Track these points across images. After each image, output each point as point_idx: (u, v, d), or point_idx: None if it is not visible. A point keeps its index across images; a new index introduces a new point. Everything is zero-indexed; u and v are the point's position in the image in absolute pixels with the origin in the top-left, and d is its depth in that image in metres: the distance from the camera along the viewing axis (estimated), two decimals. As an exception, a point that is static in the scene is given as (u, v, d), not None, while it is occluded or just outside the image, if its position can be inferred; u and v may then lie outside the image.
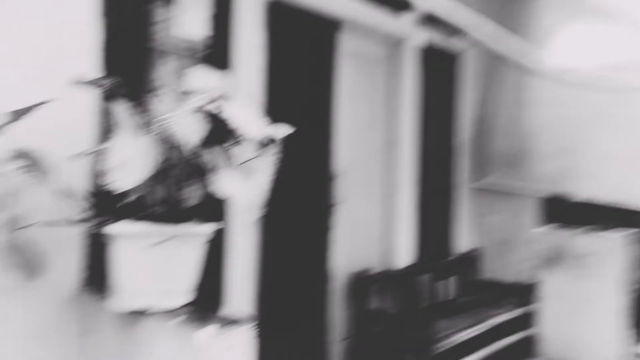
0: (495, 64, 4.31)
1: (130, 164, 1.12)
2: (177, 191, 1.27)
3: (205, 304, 2.53)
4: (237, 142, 1.29)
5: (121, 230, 1.32)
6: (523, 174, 4.26)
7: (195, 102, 1.21)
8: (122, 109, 1.19)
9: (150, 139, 1.18)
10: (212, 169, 1.22)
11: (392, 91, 3.71)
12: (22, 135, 1.27)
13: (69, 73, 1.33)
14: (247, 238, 2.76)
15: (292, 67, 3.48)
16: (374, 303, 3.49)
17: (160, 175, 1.25)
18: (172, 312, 1.36)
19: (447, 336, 3.08)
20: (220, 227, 1.51)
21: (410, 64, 3.75)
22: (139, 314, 1.39)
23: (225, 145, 1.29)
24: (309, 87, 3.44)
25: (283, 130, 1.38)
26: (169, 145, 1.15)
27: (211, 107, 1.24)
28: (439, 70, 4.11)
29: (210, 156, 1.24)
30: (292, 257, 3.55)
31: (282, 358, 3.57)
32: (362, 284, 3.42)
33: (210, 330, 1.20)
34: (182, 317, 1.30)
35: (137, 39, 1.71)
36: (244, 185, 1.26)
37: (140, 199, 1.30)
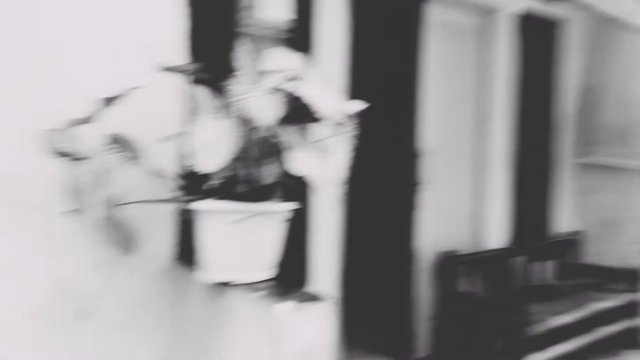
0: (604, 28, 3.92)
1: (213, 146, 1.17)
2: (256, 170, 1.30)
3: (289, 280, 2.61)
4: (313, 120, 1.29)
5: (206, 208, 1.39)
6: (633, 149, 3.87)
7: (272, 82, 1.23)
8: (204, 93, 1.24)
9: (231, 120, 1.22)
10: (289, 148, 1.24)
11: (485, 63, 3.52)
12: (114, 120, 1.37)
13: (157, 59, 1.41)
14: (331, 217, 2.78)
15: (377, 43, 3.41)
16: (463, 285, 3.39)
17: (241, 155, 1.29)
18: (254, 286, 1.42)
19: (541, 321, 2.92)
20: (299, 205, 1.53)
21: (505, 34, 3.53)
22: (224, 286, 1.47)
23: (302, 123, 1.30)
24: (395, 62, 3.36)
25: (359, 106, 1.36)
26: (248, 125, 1.18)
27: (288, 87, 1.25)
28: (537, 39, 3.82)
29: (286, 135, 1.25)
30: (376, 236, 3.54)
31: (366, 337, 3.60)
32: (450, 264, 3.34)
33: (288, 305, 1.24)
34: (264, 291, 1.34)
35: (221, 24, 1.77)
36: (320, 163, 1.26)
37: (223, 178, 1.36)
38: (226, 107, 1.20)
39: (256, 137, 1.25)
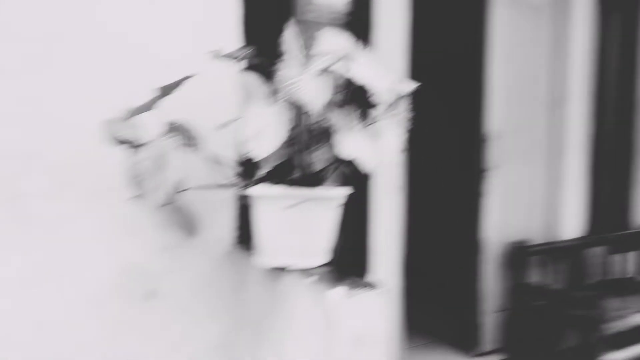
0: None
1: (265, 132, 1.17)
2: (308, 155, 1.29)
3: (349, 267, 2.59)
4: (365, 102, 1.26)
5: (260, 193, 1.40)
6: None
7: (322, 64, 1.21)
8: (256, 79, 1.24)
9: (281, 105, 1.21)
10: (340, 131, 1.22)
11: (560, 40, 3.30)
12: (173, 108, 1.40)
13: (213, 46, 1.42)
14: (391, 203, 2.73)
15: (440, 21, 3.28)
16: (534, 276, 3.23)
17: (292, 140, 1.29)
18: (309, 272, 1.41)
19: (619, 317, 2.72)
20: (357, 191, 1.51)
21: (583, 8, 3.28)
22: (280, 271, 1.48)
23: (353, 106, 1.28)
24: (459, 40, 3.22)
25: (413, 87, 1.31)
26: (298, 109, 1.16)
27: (338, 68, 1.22)
28: (618, 13, 3.53)
29: (337, 118, 1.23)
30: (441, 224, 3.44)
31: (431, 326, 3.53)
32: (520, 255, 3.19)
33: (341, 291, 1.22)
34: (318, 277, 1.34)
35: (276, 9, 1.76)
36: (372, 146, 1.23)
37: (276, 164, 1.36)
38: (277, 92, 1.19)
39: (307, 121, 1.24)
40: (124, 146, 1.21)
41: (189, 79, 1.39)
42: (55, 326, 1.52)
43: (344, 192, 1.45)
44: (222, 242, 1.76)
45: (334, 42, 1.35)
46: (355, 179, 2.57)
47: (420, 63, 2.83)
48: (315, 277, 1.32)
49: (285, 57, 1.21)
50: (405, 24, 2.65)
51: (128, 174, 1.20)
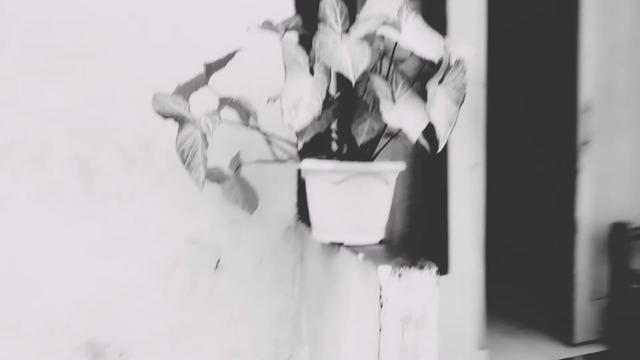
0: None
1: (302, 102, 1.13)
2: (352, 126, 1.24)
3: (425, 248, 2.50)
4: (413, 69, 1.17)
5: (310, 167, 1.37)
6: None
7: (363, 28, 1.14)
8: (297, 47, 1.20)
9: (319, 74, 1.16)
10: (384, 100, 1.14)
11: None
12: (226, 82, 1.41)
13: (262, 18, 1.41)
14: (470, 181, 2.59)
15: None
16: (637, 262, 2.91)
17: (334, 111, 1.24)
18: (362, 248, 1.37)
19: None
20: (404, 167, 1.43)
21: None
22: (335, 247, 1.45)
23: (399, 72, 1.19)
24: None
25: (470, 52, 1.19)
26: (339, 78, 1.11)
27: (384, 32, 1.15)
28: None
29: (380, 86, 1.16)
30: (533, 203, 3.20)
31: (522, 311, 3.32)
32: (621, 238, 2.88)
33: (390, 269, 1.16)
34: (367, 254, 1.29)
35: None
36: (419, 115, 1.14)
37: (323, 136, 1.32)
38: (317, 60, 1.14)
39: (347, 89, 1.18)
40: (169, 121, 1.24)
41: (238, 53, 1.39)
42: (128, 293, 1.62)
43: (397, 167, 1.38)
44: (284, 217, 1.77)
45: (381, 5, 1.27)
46: (429, 155, 2.48)
47: (505, 22, 2.61)
48: (364, 255, 1.27)
49: (323, 22, 1.16)
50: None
51: (178, 149, 1.22)
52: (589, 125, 2.83)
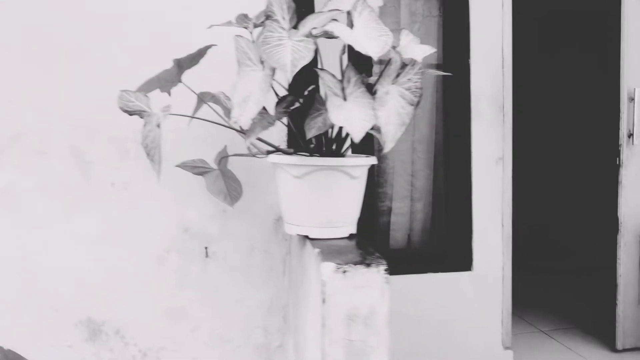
0: None
1: (250, 99, 1.15)
2: (304, 121, 1.23)
3: (447, 245, 2.43)
4: (360, 66, 1.15)
5: (274, 161, 1.39)
6: None
7: (308, 24, 1.13)
8: (248, 44, 1.22)
9: (269, 70, 1.17)
10: (330, 97, 1.13)
11: None
12: (197, 78, 1.46)
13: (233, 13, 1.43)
14: (496, 175, 2.48)
15: None
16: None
17: (282, 106, 1.24)
18: (327, 242, 1.37)
19: None
20: (373, 162, 1.40)
21: None
22: (305, 240, 1.46)
23: (351, 69, 1.17)
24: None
25: (424, 52, 1.14)
26: (286, 74, 1.11)
27: (332, 29, 1.13)
28: None
29: (329, 82, 1.15)
30: (573, 198, 3.00)
31: (565, 311, 3.15)
32: (669, 238, 2.63)
33: (333, 266, 1.16)
34: (326, 249, 1.29)
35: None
36: (368, 115, 1.12)
37: (264, 130, 1.32)
38: (264, 57, 1.15)
39: (295, 86, 1.18)
40: (134, 117, 1.30)
41: (209, 49, 1.42)
42: (123, 276, 1.73)
43: (360, 162, 1.36)
44: (274, 209, 1.80)
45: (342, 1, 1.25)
46: (451, 148, 2.40)
47: (543, 17, 2.47)
48: (319, 250, 1.27)
49: (270, 18, 1.16)
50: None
51: (143, 144, 1.29)
52: (634, 117, 2.60)
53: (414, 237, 2.60)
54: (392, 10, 2.45)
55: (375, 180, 2.50)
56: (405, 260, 2.52)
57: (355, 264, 1.18)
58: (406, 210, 2.57)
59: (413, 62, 1.15)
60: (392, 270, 2.42)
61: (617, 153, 2.65)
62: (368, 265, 1.18)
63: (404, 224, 2.59)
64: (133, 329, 1.72)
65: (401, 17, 2.45)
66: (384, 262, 1.20)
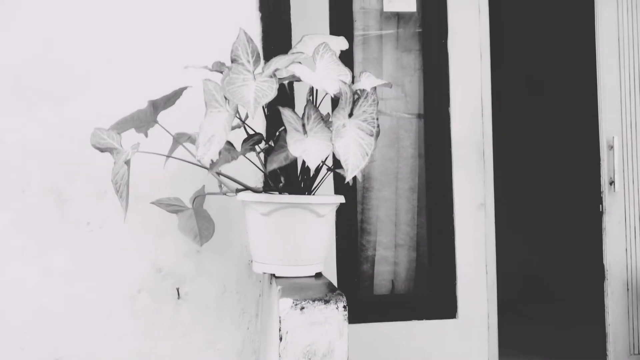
0: None
1: (214, 138, 1.19)
2: (268, 157, 1.27)
3: (433, 289, 2.41)
4: (312, 103, 1.20)
5: (241, 198, 1.42)
6: None
7: (276, 65, 1.19)
8: (215, 85, 1.27)
9: (233, 110, 1.22)
10: (290, 132, 1.17)
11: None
12: (171, 120, 1.51)
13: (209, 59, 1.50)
14: (478, 220, 2.50)
15: (530, 17, 2.90)
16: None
17: (249, 143, 1.28)
18: (293, 280, 1.38)
19: None
20: (340, 200, 1.43)
21: None
22: (272, 278, 1.47)
23: (311, 106, 1.22)
24: (557, 38, 2.81)
25: (372, 83, 1.20)
26: (249, 111, 1.15)
27: (293, 69, 1.19)
28: None
29: (290, 118, 1.19)
30: (550, 244, 2.99)
31: (543, 355, 3.08)
32: (656, 286, 2.61)
33: (290, 302, 1.17)
34: (288, 287, 1.29)
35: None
36: (324, 146, 1.16)
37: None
38: (229, 96, 1.20)
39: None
40: (107, 155, 1.34)
41: (186, 89, 1.48)
42: (94, 316, 1.72)
43: (327, 200, 1.39)
44: (248, 250, 1.80)
45: (309, 44, 1.32)
46: (433, 194, 2.43)
47: (514, 59, 2.57)
48: (281, 287, 1.27)
49: (235, 61, 1.22)
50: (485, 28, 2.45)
51: (112, 181, 1.32)
52: (613, 164, 2.64)
53: (398, 283, 2.59)
54: (375, 64, 2.55)
55: (360, 227, 2.53)
56: (389, 307, 2.50)
57: (314, 300, 1.18)
58: (390, 257, 2.58)
59: (366, 94, 1.20)
60: (377, 317, 2.41)
61: (600, 200, 2.67)
62: (327, 302, 1.18)
63: (389, 270, 2.58)
64: (102, 371, 1.70)
65: (383, 69, 2.55)
66: (344, 298, 1.20)
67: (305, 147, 1.14)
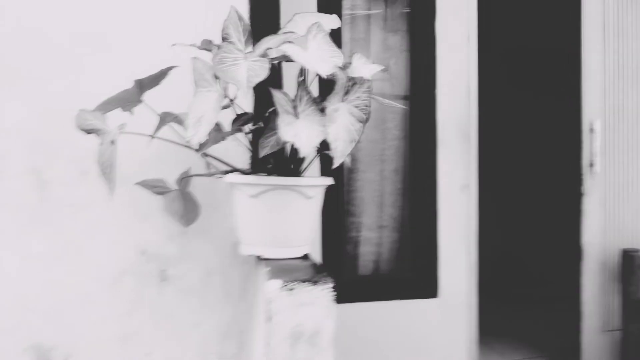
0: None
1: (204, 118, 1.16)
2: (258, 139, 1.25)
3: (417, 270, 2.44)
4: (304, 85, 1.18)
5: (230, 180, 1.40)
6: None
7: (267, 44, 1.16)
8: (205, 64, 1.24)
9: (222, 90, 1.19)
10: (281, 114, 1.16)
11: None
12: (157, 99, 1.47)
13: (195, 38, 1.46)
14: (462, 202, 2.53)
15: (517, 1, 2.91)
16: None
17: (238, 123, 1.26)
18: (280, 262, 1.37)
19: None
20: (329, 182, 1.42)
21: None
22: (258, 259, 1.46)
23: (303, 88, 1.20)
24: (543, 21, 2.83)
25: (370, 70, 1.18)
26: (242, 90, 1.13)
27: (285, 49, 1.17)
28: None
29: (281, 100, 1.17)
30: (540, 226, 3.05)
31: (529, 338, 3.16)
32: (630, 266, 2.69)
33: (279, 284, 1.16)
34: (276, 268, 1.29)
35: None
36: (317, 131, 1.15)
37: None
38: (220, 74, 1.17)
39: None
40: (91, 135, 1.31)
41: (172, 69, 1.44)
42: (75, 299, 1.70)
43: (315, 182, 1.38)
44: (234, 232, 1.79)
45: (301, 24, 1.29)
46: (418, 175, 2.44)
47: (509, 49, 2.57)
48: (269, 269, 1.27)
49: (226, 40, 1.19)
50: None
51: (99, 163, 1.29)
52: (594, 147, 2.68)
53: (382, 264, 2.61)
54: (362, 44, 2.52)
55: (345, 209, 2.53)
56: (373, 287, 2.53)
57: (303, 281, 1.18)
58: (374, 238, 2.59)
59: (362, 81, 1.19)
60: (360, 297, 2.43)
61: (580, 182, 2.72)
62: (315, 283, 1.18)
63: (372, 251, 2.60)
64: (84, 355, 1.68)
65: (371, 50, 2.52)
66: (331, 280, 1.20)
67: (296, 131, 1.13)
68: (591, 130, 2.68)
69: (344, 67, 1.17)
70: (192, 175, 1.58)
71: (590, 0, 2.66)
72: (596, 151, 2.67)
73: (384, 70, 1.25)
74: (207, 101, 1.18)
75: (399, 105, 2.25)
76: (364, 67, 1.19)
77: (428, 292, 2.53)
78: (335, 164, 1.16)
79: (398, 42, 2.54)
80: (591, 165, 2.69)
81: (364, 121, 1.18)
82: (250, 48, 1.20)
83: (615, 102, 2.71)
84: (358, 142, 1.18)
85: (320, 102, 1.21)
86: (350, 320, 2.38)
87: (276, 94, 1.18)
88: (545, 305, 3.27)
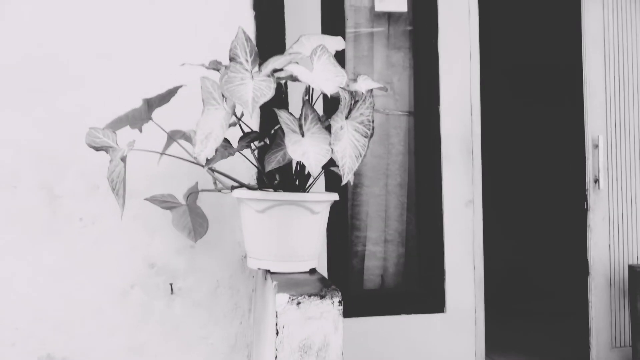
0: None
1: (211, 135, 1.20)
2: (265, 156, 1.29)
3: (422, 284, 2.45)
4: (310, 103, 1.21)
5: (237, 196, 1.43)
6: None
7: (274, 65, 1.20)
8: (213, 83, 1.28)
9: (230, 108, 1.23)
10: (288, 132, 1.19)
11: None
12: (165, 117, 1.51)
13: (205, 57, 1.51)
14: (466, 217, 2.54)
15: (518, 18, 2.94)
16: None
17: (245, 141, 1.30)
18: (287, 276, 1.40)
19: None
20: (334, 198, 1.45)
21: None
22: (267, 274, 1.48)
23: (309, 107, 1.24)
24: (544, 39, 2.86)
25: (369, 86, 1.22)
26: (248, 110, 1.17)
27: (291, 69, 1.21)
28: None
29: (286, 119, 1.21)
30: (548, 242, 3.05)
31: (538, 353, 3.14)
32: (639, 281, 2.68)
33: (286, 297, 1.19)
34: (284, 282, 1.31)
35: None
36: (324, 150, 1.18)
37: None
38: (227, 94, 1.21)
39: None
40: (101, 152, 1.34)
41: (180, 88, 1.49)
42: (85, 312, 1.72)
43: (321, 197, 1.40)
44: (241, 245, 1.82)
45: (307, 45, 1.33)
46: (423, 191, 2.47)
47: (504, 60, 2.60)
48: (277, 282, 1.29)
49: (234, 60, 1.23)
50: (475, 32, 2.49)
51: (108, 179, 1.33)
52: (598, 163, 2.70)
53: (388, 278, 2.62)
54: (366, 61, 2.57)
55: (350, 223, 2.55)
56: (378, 302, 2.54)
57: (310, 295, 1.20)
58: (379, 252, 2.61)
59: (364, 98, 1.22)
60: (366, 311, 2.44)
61: (585, 198, 2.72)
62: (322, 297, 1.20)
63: (378, 266, 2.62)
64: (94, 366, 1.70)
65: (374, 67, 2.57)
66: (339, 294, 1.22)
67: (304, 150, 1.16)
68: (595, 146, 2.70)
69: (348, 86, 1.21)
70: (200, 191, 1.61)
71: (590, 17, 2.69)
72: (600, 167, 2.69)
73: (383, 89, 1.28)
74: (214, 118, 1.22)
75: (399, 113, 2.29)
76: (364, 84, 1.23)
77: (435, 307, 2.54)
78: (344, 181, 1.19)
79: (401, 60, 2.59)
80: (595, 181, 2.71)
81: (369, 136, 1.22)
82: (256, 68, 1.24)
83: (618, 118, 2.73)
84: (363, 157, 1.21)
85: (325, 120, 1.24)
86: (356, 335, 2.39)
87: (281, 114, 1.21)
88: (552, 320, 3.26)
